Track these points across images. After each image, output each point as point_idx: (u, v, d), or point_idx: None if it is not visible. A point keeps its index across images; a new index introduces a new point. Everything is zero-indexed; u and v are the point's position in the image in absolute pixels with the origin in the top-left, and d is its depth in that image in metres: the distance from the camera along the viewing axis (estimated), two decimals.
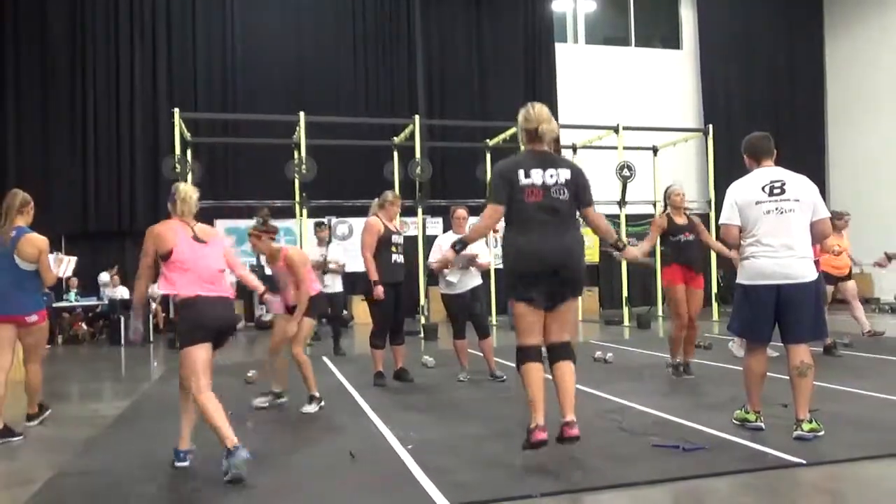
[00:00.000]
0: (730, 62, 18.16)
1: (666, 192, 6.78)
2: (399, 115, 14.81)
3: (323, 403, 5.65)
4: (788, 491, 3.55)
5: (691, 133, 15.58)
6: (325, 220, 10.29)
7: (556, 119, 14.89)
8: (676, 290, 6.53)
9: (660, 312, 14.26)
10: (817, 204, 4.32)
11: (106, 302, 12.51)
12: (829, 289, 8.82)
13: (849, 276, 8.98)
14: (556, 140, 4.09)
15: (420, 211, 12.65)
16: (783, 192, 4.29)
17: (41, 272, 5.05)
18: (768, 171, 4.41)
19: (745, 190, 4.40)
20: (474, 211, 6.52)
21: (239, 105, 14.98)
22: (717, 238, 6.40)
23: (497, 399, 5.86)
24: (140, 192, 14.44)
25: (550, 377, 4.02)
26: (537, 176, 3.91)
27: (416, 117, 12.61)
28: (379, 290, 6.32)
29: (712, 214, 13.48)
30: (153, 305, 11.98)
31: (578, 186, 4.00)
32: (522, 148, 4.09)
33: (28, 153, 13.95)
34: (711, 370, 7.05)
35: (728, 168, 14.85)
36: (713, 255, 11.90)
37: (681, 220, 6.61)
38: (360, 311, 11.94)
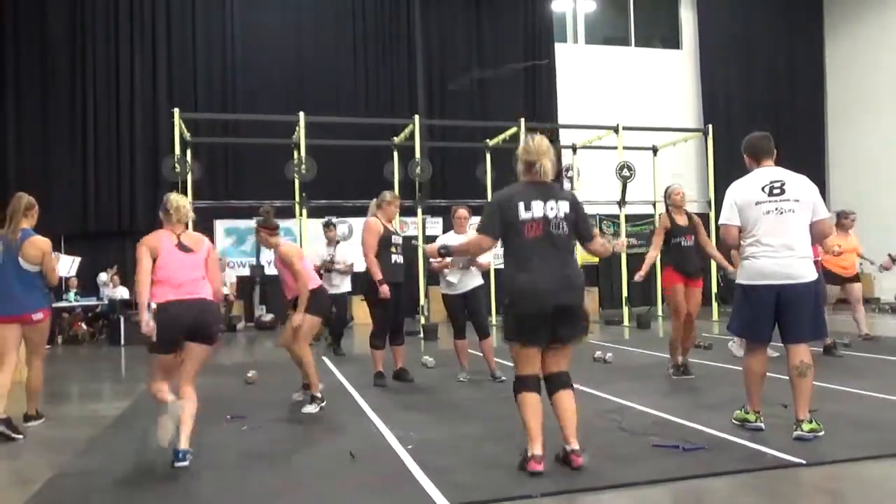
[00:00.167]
0: (730, 62, 18.17)
1: (666, 191, 6.79)
2: (399, 115, 14.81)
3: (324, 404, 5.65)
4: (788, 491, 3.55)
5: (691, 133, 15.58)
6: (333, 220, 10.29)
7: (556, 119, 14.87)
8: (675, 289, 6.53)
9: (660, 312, 14.27)
10: (817, 204, 4.32)
11: (106, 302, 12.51)
12: (835, 289, 8.82)
13: (856, 278, 8.98)
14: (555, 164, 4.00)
15: (420, 211, 12.64)
16: (783, 192, 4.29)
17: (45, 273, 5.18)
18: (768, 172, 4.40)
19: (745, 190, 4.39)
20: (475, 211, 6.53)
21: (239, 105, 14.99)
22: (717, 238, 6.42)
23: (497, 399, 5.86)
24: (140, 193, 14.45)
25: (549, 398, 3.96)
26: (538, 209, 3.81)
27: (416, 117, 12.61)
28: (385, 290, 6.32)
29: (712, 214, 13.48)
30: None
31: (578, 218, 3.92)
32: (520, 179, 3.99)
33: (28, 153, 13.95)
34: (711, 370, 7.05)
35: (728, 168, 14.86)
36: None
37: (682, 221, 6.60)
38: (360, 311, 11.94)
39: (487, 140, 14.10)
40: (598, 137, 14.47)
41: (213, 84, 15.14)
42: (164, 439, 3.94)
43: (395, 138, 13.54)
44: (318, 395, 5.65)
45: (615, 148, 13.69)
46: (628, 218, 14.44)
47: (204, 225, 13.96)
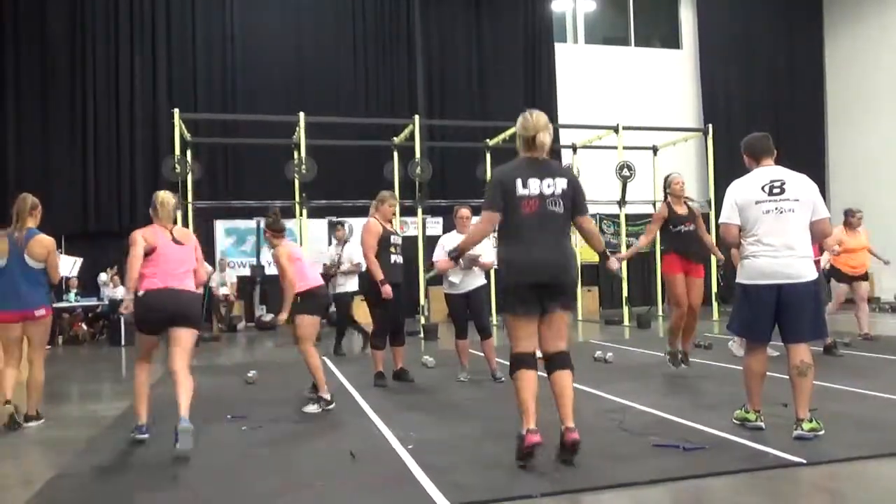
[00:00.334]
0: (729, 62, 18.17)
1: (666, 180, 6.80)
2: (399, 116, 14.81)
3: (332, 406, 5.58)
4: (789, 490, 3.55)
5: (691, 133, 15.58)
6: (334, 219, 10.29)
7: (556, 119, 14.87)
8: (676, 279, 6.53)
9: (660, 312, 14.27)
10: (817, 203, 4.31)
11: (106, 302, 12.51)
12: (844, 288, 8.82)
13: (864, 277, 8.97)
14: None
15: (420, 211, 12.64)
16: (783, 191, 4.29)
17: (49, 270, 5.38)
18: (768, 171, 4.40)
19: (745, 189, 4.39)
20: (476, 211, 6.53)
21: (239, 105, 14.99)
22: (717, 238, 6.42)
23: (497, 399, 5.85)
24: (140, 193, 14.43)
25: (548, 378, 4.02)
26: (535, 186, 3.89)
27: (416, 117, 12.61)
28: (387, 290, 6.32)
29: (712, 214, 13.48)
30: (140, 293, 11.96)
31: (575, 195, 3.99)
32: (519, 154, 4.06)
33: (28, 153, 13.96)
34: (711, 370, 7.05)
35: (728, 168, 14.86)
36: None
37: (681, 210, 6.62)
38: (360, 311, 11.94)
39: (487, 140, 14.10)
40: (598, 137, 14.47)
41: (213, 84, 15.14)
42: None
43: (395, 138, 13.54)
44: (327, 396, 5.61)
45: (615, 148, 13.68)
46: (628, 218, 14.43)
47: (204, 225, 14.03)
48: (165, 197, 4.81)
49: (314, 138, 12.50)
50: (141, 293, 4.56)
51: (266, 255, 14.56)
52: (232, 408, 5.69)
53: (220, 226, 14.84)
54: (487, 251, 6.74)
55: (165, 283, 4.58)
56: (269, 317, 13.46)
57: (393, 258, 6.54)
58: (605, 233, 16.70)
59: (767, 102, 18.16)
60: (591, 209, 16.92)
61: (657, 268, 14.46)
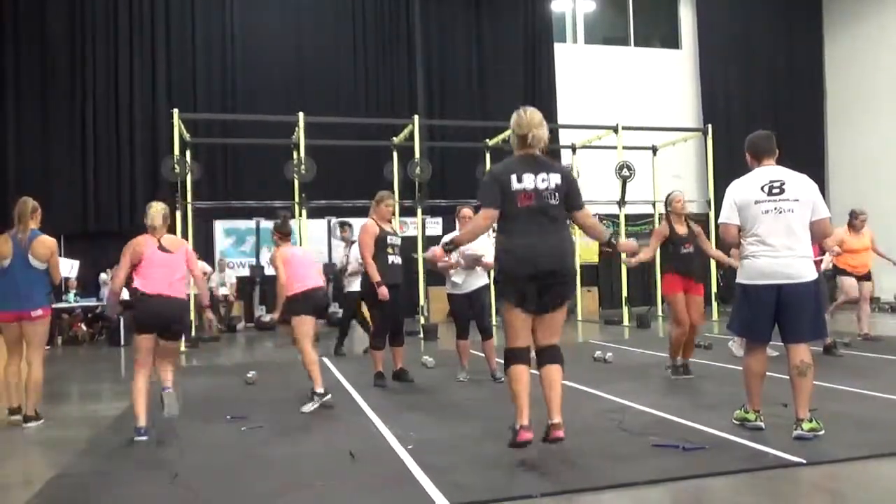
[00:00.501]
0: (729, 62, 18.17)
1: (667, 198, 6.79)
2: (399, 116, 14.80)
3: (328, 398, 5.65)
4: (789, 490, 3.55)
5: (690, 133, 15.57)
6: (348, 220, 10.29)
7: (556, 119, 14.83)
8: (676, 298, 6.53)
9: (659, 312, 14.27)
10: (817, 203, 4.31)
11: (105, 302, 12.50)
12: (851, 281, 8.81)
13: (868, 276, 8.98)
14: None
15: (420, 211, 12.64)
16: (782, 191, 4.29)
17: (50, 271, 5.56)
18: (768, 171, 4.40)
19: (744, 189, 4.39)
20: (478, 211, 6.53)
21: (238, 105, 14.99)
22: (717, 237, 6.41)
23: (497, 399, 5.85)
24: (140, 193, 14.42)
25: (538, 372, 4.05)
26: (529, 181, 3.94)
27: (416, 117, 12.61)
28: (384, 291, 6.33)
29: (712, 214, 13.48)
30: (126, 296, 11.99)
31: (570, 190, 4.04)
32: (514, 152, 4.09)
33: (28, 153, 13.95)
34: (711, 370, 7.06)
35: (727, 168, 14.84)
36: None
37: (682, 230, 6.60)
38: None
39: (487, 140, 14.09)
40: (598, 137, 14.46)
41: (212, 84, 15.14)
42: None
43: (394, 138, 13.53)
44: (320, 390, 5.68)
45: (615, 148, 13.68)
46: (628, 218, 14.43)
47: (203, 225, 14.03)
48: (154, 208, 5.15)
49: (314, 138, 12.49)
50: (136, 295, 4.92)
51: (265, 256, 14.58)
52: (232, 408, 5.70)
53: (220, 226, 14.84)
54: (489, 251, 6.75)
55: (155, 290, 4.89)
56: (268, 317, 13.53)
57: (391, 259, 6.54)
58: None
59: (767, 102, 18.16)
60: (591, 209, 16.84)
61: (657, 268, 14.47)
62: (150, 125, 14.59)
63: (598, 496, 3.49)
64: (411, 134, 12.58)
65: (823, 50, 18.89)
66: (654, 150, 14.84)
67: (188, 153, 12.28)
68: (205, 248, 13.86)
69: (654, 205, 14.57)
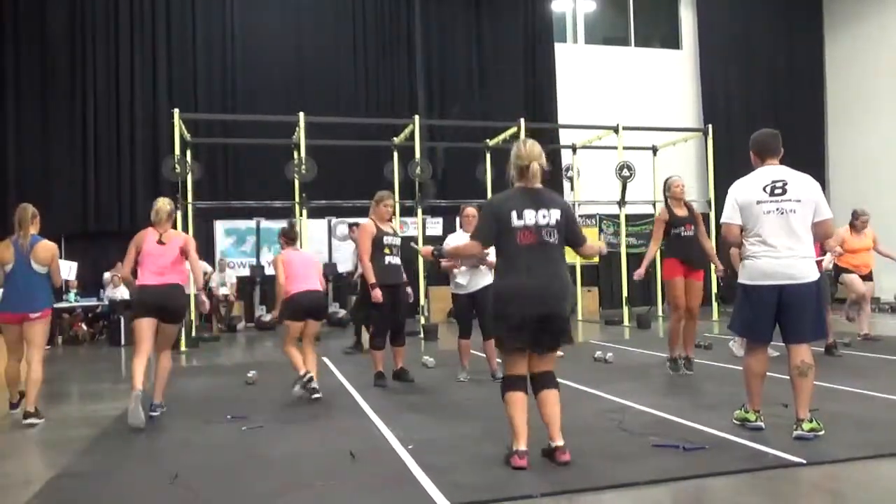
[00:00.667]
0: (729, 62, 18.16)
1: (666, 182, 6.81)
2: (399, 116, 14.80)
3: (307, 378, 5.99)
4: (789, 491, 3.55)
5: (691, 133, 15.58)
6: (357, 221, 10.29)
7: (556, 119, 14.81)
8: (675, 282, 6.53)
9: (660, 312, 14.27)
10: (819, 204, 4.30)
11: (106, 302, 12.50)
12: (853, 277, 8.81)
13: (869, 277, 8.98)
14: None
15: (420, 211, 12.64)
16: (784, 192, 4.27)
17: (51, 274, 5.76)
18: (771, 171, 4.38)
19: (746, 189, 4.38)
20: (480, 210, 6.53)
21: (239, 105, 14.98)
22: (717, 236, 6.41)
23: (497, 399, 5.83)
24: (140, 193, 14.43)
25: (535, 397, 4.03)
26: (530, 217, 3.91)
27: (416, 117, 12.61)
28: (377, 293, 6.32)
29: (712, 214, 13.48)
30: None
31: (569, 226, 4.03)
32: (514, 184, 4.06)
33: (28, 153, 13.94)
34: (711, 370, 7.05)
35: (728, 168, 14.83)
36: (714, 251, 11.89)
37: (681, 212, 6.61)
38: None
39: (487, 140, 14.10)
40: (598, 137, 14.46)
41: (213, 84, 15.13)
42: (134, 418, 5.02)
43: (395, 138, 13.53)
44: (300, 372, 6.04)
45: (615, 148, 13.68)
46: (628, 218, 14.43)
47: (204, 225, 14.03)
48: (160, 204, 5.63)
49: (314, 138, 12.50)
50: (137, 286, 5.50)
51: (265, 256, 14.59)
52: (232, 408, 5.70)
53: (220, 226, 14.83)
54: (491, 250, 6.76)
55: (151, 280, 5.44)
56: (268, 317, 13.53)
57: (387, 259, 6.52)
58: (605, 233, 16.71)
59: (767, 102, 18.15)
60: (592, 209, 16.91)
61: (657, 268, 14.46)
62: (150, 125, 14.59)
63: (599, 496, 3.49)
64: (411, 134, 12.58)
65: (824, 50, 18.89)
66: (655, 150, 14.85)
67: (189, 153, 12.28)
68: (205, 248, 13.85)
69: (654, 205, 14.56)
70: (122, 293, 12.43)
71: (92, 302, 12.74)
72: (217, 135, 14.77)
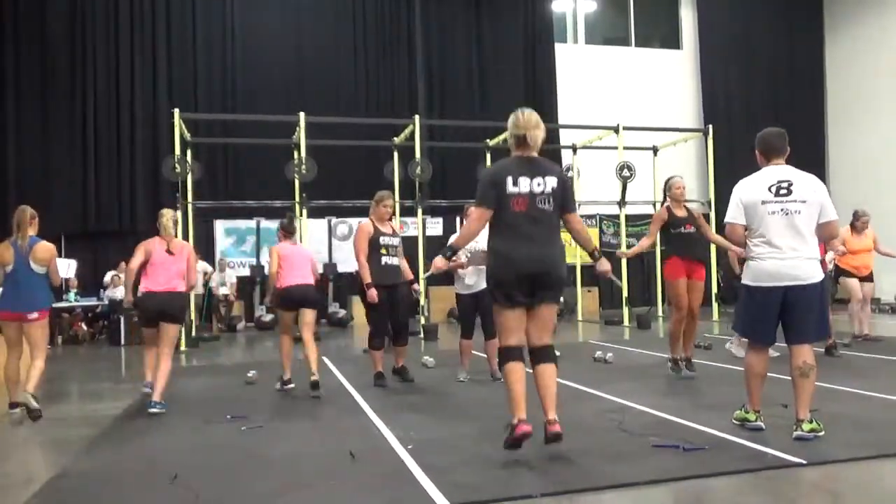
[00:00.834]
0: (730, 62, 18.17)
1: (666, 183, 6.76)
2: (399, 116, 14.80)
3: (289, 387, 6.41)
4: (789, 491, 3.54)
5: (691, 133, 15.59)
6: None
7: (557, 119, 14.79)
8: (678, 283, 6.50)
9: (660, 313, 14.27)
10: (825, 205, 4.28)
11: (106, 302, 12.50)
12: (854, 282, 8.81)
13: (870, 277, 8.97)
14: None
15: (420, 211, 12.64)
16: (790, 192, 4.25)
17: (50, 274, 5.92)
18: (776, 171, 4.35)
19: (752, 189, 4.34)
20: None
21: (239, 105, 15.00)
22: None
23: (497, 399, 5.83)
24: (140, 193, 14.45)
25: (532, 371, 4.08)
26: (525, 184, 3.98)
27: (416, 117, 12.61)
28: (372, 293, 6.32)
29: (712, 215, 13.49)
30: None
31: (564, 194, 4.10)
32: (511, 152, 4.12)
33: (28, 153, 13.95)
34: (711, 370, 7.05)
35: (728, 168, 14.86)
36: (713, 252, 11.88)
37: (681, 213, 6.59)
38: (359, 311, 11.96)
39: (488, 140, 14.10)
40: (599, 137, 14.47)
41: (213, 84, 15.15)
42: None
43: (395, 138, 13.53)
44: (286, 377, 6.51)
45: (615, 148, 13.69)
46: (629, 218, 14.43)
47: (204, 225, 14.03)
48: (166, 214, 6.10)
49: (314, 138, 12.50)
50: (140, 294, 5.96)
51: (266, 256, 14.57)
52: (232, 408, 5.70)
53: (220, 226, 14.84)
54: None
55: (157, 287, 5.88)
56: (269, 317, 13.54)
57: (384, 260, 6.51)
58: (605, 233, 16.71)
59: (768, 103, 18.15)
60: (592, 209, 16.92)
61: (657, 268, 14.45)
62: (150, 125, 14.60)
63: (599, 496, 3.48)
64: (412, 134, 12.58)
65: (824, 50, 18.89)
66: (655, 150, 14.85)
67: (189, 153, 12.29)
68: (205, 247, 13.87)
69: (654, 205, 14.54)
70: (122, 293, 12.42)
71: (92, 302, 12.74)
72: (217, 135, 14.78)
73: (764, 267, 4.28)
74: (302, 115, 11.86)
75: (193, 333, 11.11)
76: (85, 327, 12.36)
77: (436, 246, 6.96)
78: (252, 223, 14.84)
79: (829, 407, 4.89)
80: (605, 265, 4.38)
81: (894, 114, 16.54)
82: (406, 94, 16.06)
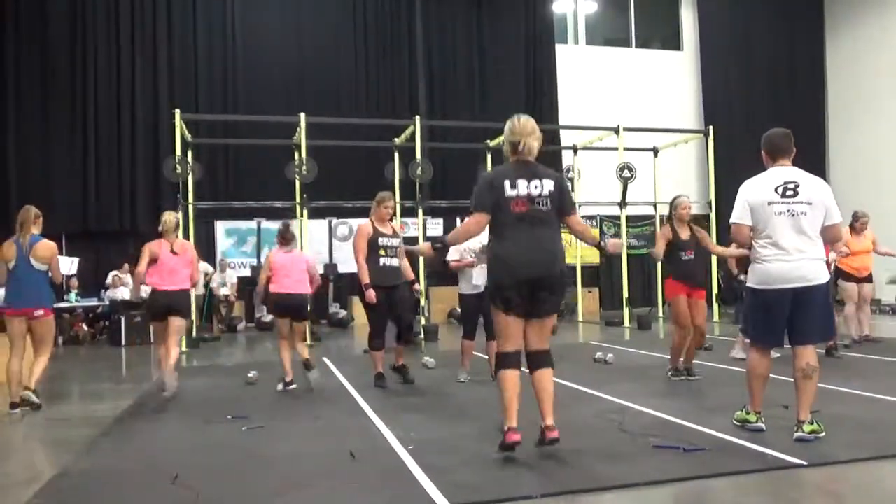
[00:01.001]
0: (730, 63, 18.17)
1: (673, 202, 6.69)
2: (400, 116, 14.80)
3: (292, 388, 6.54)
4: (789, 492, 3.54)
5: (692, 134, 15.58)
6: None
7: (557, 120, 14.75)
8: (679, 301, 6.49)
9: (660, 314, 14.26)
10: (830, 208, 4.28)
11: (106, 302, 12.50)
12: (853, 286, 8.80)
13: (869, 278, 8.97)
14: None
15: (420, 212, 12.64)
16: (796, 193, 4.24)
17: (52, 271, 6.12)
18: (783, 171, 4.34)
19: (758, 190, 4.33)
20: None
21: (240, 106, 14.99)
22: (719, 240, 6.39)
23: (497, 399, 5.84)
24: (141, 193, 14.44)
25: (529, 376, 4.11)
26: (522, 187, 4.00)
27: (417, 118, 12.61)
28: (370, 294, 6.32)
29: (713, 216, 13.48)
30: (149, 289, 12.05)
31: (562, 197, 4.11)
32: (507, 158, 4.14)
33: (28, 153, 13.94)
34: (712, 371, 7.05)
35: (728, 169, 14.86)
36: (714, 258, 11.87)
37: (685, 235, 6.53)
38: (360, 311, 11.96)
39: (488, 141, 14.09)
40: (599, 138, 14.46)
41: (213, 85, 15.14)
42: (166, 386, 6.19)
43: (395, 139, 13.53)
44: (287, 379, 6.63)
45: (616, 149, 13.68)
46: (629, 219, 14.42)
47: (205, 226, 14.02)
48: (167, 217, 6.58)
49: (315, 139, 12.50)
50: (149, 292, 6.55)
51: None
52: (232, 408, 5.70)
53: (221, 226, 14.82)
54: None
55: (163, 286, 6.38)
56: (269, 317, 13.53)
57: (382, 261, 6.49)
58: (606, 234, 16.70)
59: (768, 103, 18.14)
60: (592, 210, 16.84)
61: (657, 268, 14.45)
62: (151, 125, 14.59)
63: (599, 497, 3.48)
64: (412, 134, 12.58)
65: (825, 51, 18.89)
66: (656, 151, 14.84)
67: (189, 153, 12.29)
68: (206, 248, 13.86)
69: (655, 206, 14.57)
70: (123, 294, 12.44)
71: (92, 302, 12.74)
72: (218, 135, 14.77)
73: (770, 270, 4.26)
74: (302, 115, 11.86)
75: (194, 334, 11.11)
76: (86, 328, 12.35)
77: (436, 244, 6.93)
78: (253, 224, 14.83)
79: (830, 408, 4.89)
80: (613, 243, 4.48)
81: (895, 114, 16.53)
82: (406, 95, 16.05)
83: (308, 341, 10.60)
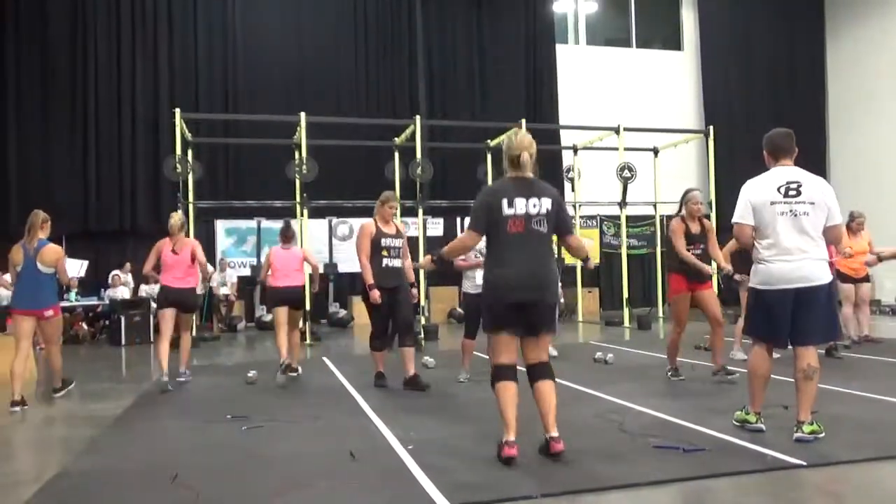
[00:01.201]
0: (731, 63, 18.18)
1: (685, 196, 6.52)
2: (400, 116, 14.80)
3: (283, 363, 6.93)
4: (789, 492, 3.54)
5: (692, 134, 15.58)
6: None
7: (558, 120, 14.75)
8: (680, 298, 6.43)
9: (660, 314, 14.27)
10: (832, 208, 4.26)
11: (107, 302, 12.50)
12: (849, 287, 8.81)
13: (866, 279, 8.97)
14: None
15: (421, 211, 12.65)
16: (799, 193, 4.23)
17: (59, 274, 6.37)
18: (785, 171, 4.34)
19: (761, 190, 4.32)
20: None
21: (240, 105, 14.99)
22: (724, 238, 6.37)
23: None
24: (141, 193, 14.44)
25: (530, 388, 4.09)
26: (521, 205, 3.98)
27: (417, 118, 12.61)
28: (374, 294, 6.30)
29: (713, 216, 13.48)
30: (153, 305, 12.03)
31: (559, 216, 4.09)
32: (506, 173, 4.12)
33: (28, 153, 13.94)
34: (711, 372, 7.04)
35: (729, 169, 14.88)
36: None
37: (695, 229, 6.45)
38: (360, 311, 11.96)
39: (488, 140, 14.10)
40: (599, 138, 14.47)
41: (214, 84, 15.14)
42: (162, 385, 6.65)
43: (396, 139, 13.53)
44: (281, 361, 7.01)
45: (616, 149, 13.68)
46: (629, 219, 14.42)
47: (205, 225, 14.02)
48: (172, 217, 7.03)
49: (315, 138, 12.50)
50: (161, 286, 7.10)
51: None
52: (232, 408, 5.70)
53: (221, 226, 14.83)
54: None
55: (170, 283, 6.97)
56: (269, 317, 13.53)
57: (384, 261, 6.46)
58: (606, 234, 16.71)
59: (769, 104, 18.15)
60: (592, 210, 16.81)
61: (657, 269, 14.46)
62: (151, 125, 14.59)
63: (599, 497, 3.48)
64: (412, 134, 12.59)
65: (825, 52, 18.89)
66: (656, 151, 14.85)
67: (190, 153, 12.29)
68: (206, 247, 13.76)
69: (655, 206, 14.57)
70: (123, 293, 12.45)
71: (93, 301, 12.74)
72: (218, 135, 14.78)
73: (773, 270, 4.26)
74: (303, 115, 11.86)
75: (194, 333, 11.10)
76: (86, 327, 12.35)
77: (436, 246, 6.93)
78: (253, 223, 14.83)
79: (830, 408, 4.89)
80: (590, 263, 4.55)
81: (895, 115, 16.54)
82: (407, 95, 16.05)
83: (308, 341, 10.62)
